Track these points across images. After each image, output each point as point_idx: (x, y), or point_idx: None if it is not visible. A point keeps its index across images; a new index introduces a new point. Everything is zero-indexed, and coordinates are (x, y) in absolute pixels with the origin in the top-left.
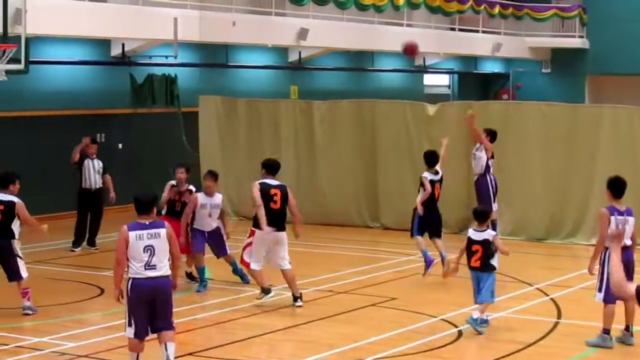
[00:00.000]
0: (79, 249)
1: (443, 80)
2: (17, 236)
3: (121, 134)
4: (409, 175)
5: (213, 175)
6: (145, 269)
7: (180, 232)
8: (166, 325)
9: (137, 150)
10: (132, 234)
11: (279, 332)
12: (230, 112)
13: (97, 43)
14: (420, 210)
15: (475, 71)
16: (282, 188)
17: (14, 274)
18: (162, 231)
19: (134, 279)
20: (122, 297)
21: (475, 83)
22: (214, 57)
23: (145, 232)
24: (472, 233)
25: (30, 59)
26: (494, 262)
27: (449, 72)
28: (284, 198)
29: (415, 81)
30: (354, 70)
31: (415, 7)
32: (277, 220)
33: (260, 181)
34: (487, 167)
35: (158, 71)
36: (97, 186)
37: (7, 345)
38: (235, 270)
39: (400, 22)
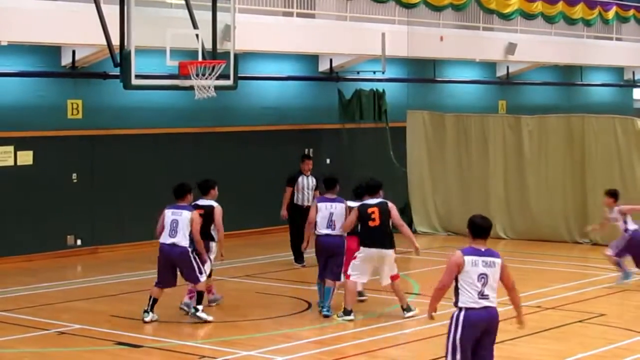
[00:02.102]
0: (304, 262)
1: None
2: (216, 240)
3: (329, 148)
4: (619, 190)
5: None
6: (479, 298)
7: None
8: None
9: (345, 165)
10: (468, 259)
11: None
12: (437, 127)
13: (305, 59)
14: None
15: None
16: (383, 205)
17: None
18: (498, 261)
19: (467, 308)
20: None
21: None
22: (422, 72)
23: (480, 259)
24: None
25: (239, 75)
26: None
27: None
28: (385, 215)
29: (625, 96)
30: (562, 84)
31: (624, 20)
32: (378, 238)
33: (360, 203)
34: None
35: (366, 86)
36: (309, 203)
37: (216, 358)
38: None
39: (609, 36)
